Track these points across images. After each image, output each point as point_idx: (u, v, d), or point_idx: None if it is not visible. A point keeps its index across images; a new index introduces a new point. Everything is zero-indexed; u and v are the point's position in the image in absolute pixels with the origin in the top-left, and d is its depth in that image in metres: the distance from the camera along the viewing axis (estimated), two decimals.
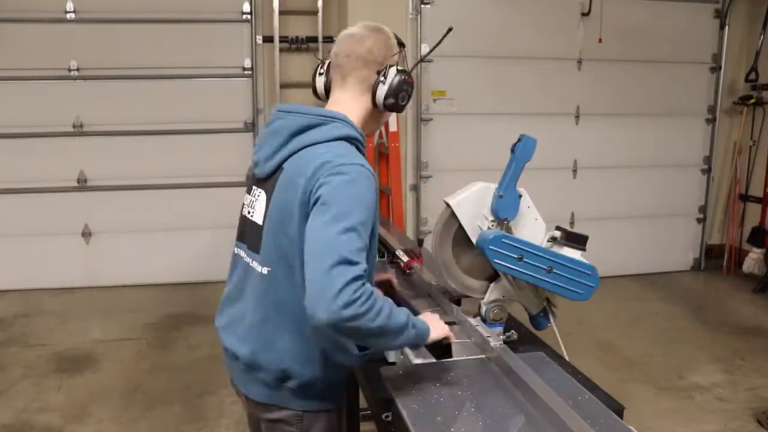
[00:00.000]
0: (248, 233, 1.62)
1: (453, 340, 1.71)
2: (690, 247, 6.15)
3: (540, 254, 1.81)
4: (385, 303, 1.41)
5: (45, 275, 5.34)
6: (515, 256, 1.79)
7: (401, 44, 1.62)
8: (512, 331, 1.94)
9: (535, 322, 1.99)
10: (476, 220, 1.90)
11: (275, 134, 1.56)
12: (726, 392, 3.66)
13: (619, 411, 1.51)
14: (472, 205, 1.89)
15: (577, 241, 1.86)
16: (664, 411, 3.44)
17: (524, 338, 1.97)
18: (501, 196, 1.85)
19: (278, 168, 1.54)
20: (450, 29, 1.77)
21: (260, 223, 1.56)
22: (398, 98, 1.57)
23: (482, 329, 1.81)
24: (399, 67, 1.58)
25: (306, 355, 1.54)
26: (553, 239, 1.89)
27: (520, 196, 1.87)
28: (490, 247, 1.78)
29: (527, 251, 1.80)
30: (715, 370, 3.95)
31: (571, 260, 1.82)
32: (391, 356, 1.86)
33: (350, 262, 1.32)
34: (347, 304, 1.30)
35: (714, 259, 6.17)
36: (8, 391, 3.57)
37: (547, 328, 1.97)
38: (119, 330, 4.48)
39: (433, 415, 1.42)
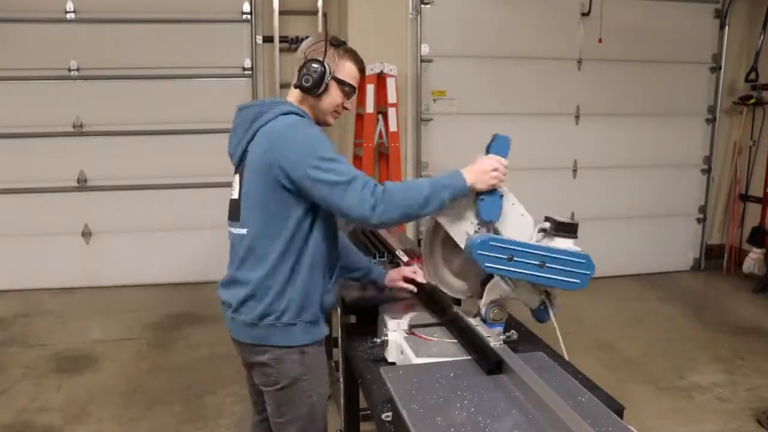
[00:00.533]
0: (231, 210, 1.92)
1: (502, 183, 1.83)
2: (690, 247, 6.16)
3: (530, 251, 1.78)
4: (400, 188, 1.75)
5: (45, 275, 5.34)
6: (505, 257, 1.77)
7: (334, 42, 1.90)
8: (512, 331, 1.94)
9: (537, 315, 1.97)
10: (462, 227, 1.88)
11: (239, 126, 1.90)
12: (726, 392, 3.66)
13: (619, 411, 1.51)
14: (455, 211, 1.87)
15: (568, 230, 1.83)
16: (664, 411, 3.44)
17: (524, 338, 1.97)
18: (482, 199, 1.83)
19: (245, 152, 1.86)
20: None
21: (237, 197, 1.89)
22: (302, 80, 1.86)
23: (482, 329, 1.81)
24: (311, 58, 1.88)
25: (275, 293, 1.82)
26: (544, 231, 1.87)
27: (502, 196, 1.85)
28: (479, 252, 1.75)
29: (516, 250, 1.77)
30: (715, 370, 3.95)
31: (563, 251, 1.80)
32: (391, 356, 1.86)
33: (346, 181, 1.70)
34: (374, 212, 1.70)
35: (714, 259, 6.17)
36: (8, 391, 3.57)
37: (549, 319, 1.94)
38: (119, 330, 4.49)
39: (433, 415, 1.42)
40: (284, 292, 1.82)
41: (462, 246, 1.86)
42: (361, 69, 1.97)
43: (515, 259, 1.77)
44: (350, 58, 1.93)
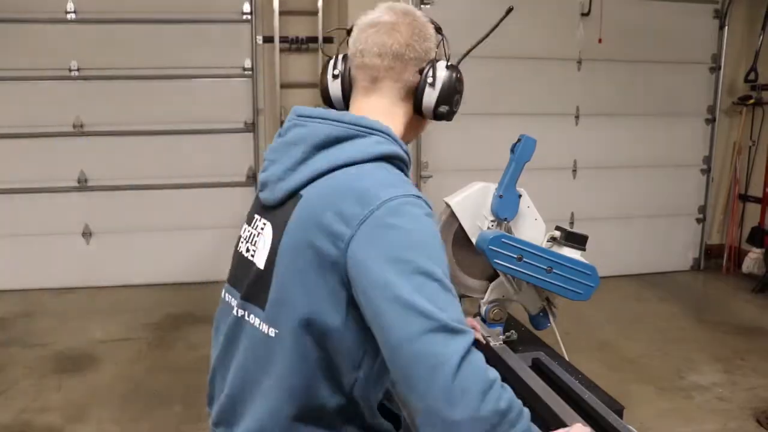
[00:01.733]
0: (245, 278, 1.21)
1: None
2: (690, 247, 6.15)
3: (540, 254, 1.81)
4: (524, 408, 1.03)
5: (45, 275, 5.34)
6: (515, 256, 1.79)
7: (438, 29, 1.31)
8: (512, 331, 1.95)
9: (535, 322, 2.00)
10: (476, 220, 1.90)
11: (291, 147, 1.16)
12: (726, 392, 3.66)
13: (619, 411, 1.51)
14: (471, 205, 1.89)
15: (577, 241, 1.86)
16: (664, 411, 3.44)
17: (524, 338, 1.97)
18: (501, 196, 1.85)
19: (295, 194, 1.13)
20: (510, 8, 1.56)
21: (262, 267, 1.16)
22: (452, 103, 1.25)
23: (482, 329, 1.82)
24: (448, 63, 1.26)
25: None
26: (553, 239, 1.89)
27: (520, 196, 1.88)
28: (490, 247, 1.78)
29: (527, 251, 1.80)
30: (715, 370, 3.95)
31: (571, 260, 1.82)
32: None
33: (460, 331, 0.97)
34: (477, 407, 0.93)
35: (714, 259, 6.17)
36: (8, 391, 3.57)
37: (547, 327, 1.97)
38: (119, 330, 4.48)
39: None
40: None
41: (473, 240, 1.87)
42: None
43: (524, 260, 1.79)
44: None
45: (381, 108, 1.23)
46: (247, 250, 1.22)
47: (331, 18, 5.39)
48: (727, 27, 5.77)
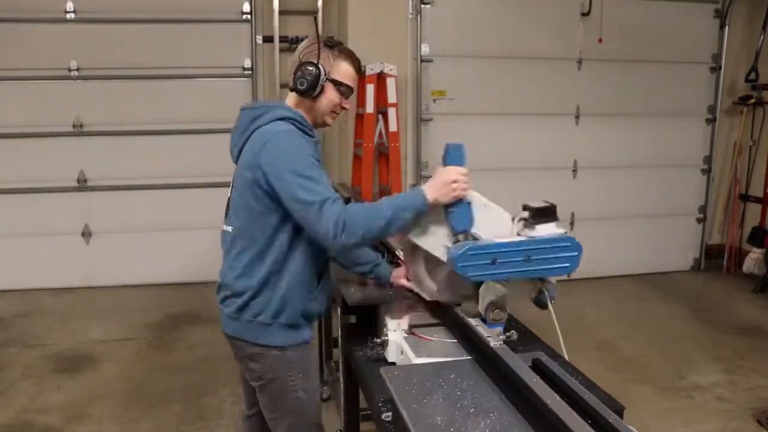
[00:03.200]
0: (226, 209, 2.00)
1: (465, 192, 1.78)
2: (690, 247, 6.16)
3: (512, 249, 1.76)
4: (361, 213, 1.75)
5: (45, 275, 5.34)
6: (488, 261, 1.75)
7: (328, 43, 1.93)
8: (512, 331, 1.94)
9: (540, 303, 1.94)
10: (440, 240, 1.86)
11: (238, 127, 1.96)
12: (726, 392, 3.66)
13: (619, 411, 1.51)
14: (429, 228, 1.85)
15: (546, 214, 1.82)
16: (664, 411, 3.44)
17: (524, 338, 1.97)
18: (451, 211, 1.81)
19: (240, 152, 1.92)
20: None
21: (229, 195, 1.97)
22: (297, 83, 1.89)
23: (482, 329, 1.81)
24: (305, 60, 1.90)
25: (262, 288, 1.88)
26: (524, 220, 1.85)
27: (470, 203, 1.83)
28: (460, 264, 1.73)
29: (498, 252, 1.76)
30: (715, 370, 3.95)
31: (545, 240, 1.77)
32: (391, 356, 1.86)
33: (311, 202, 1.73)
34: (333, 236, 1.71)
35: (714, 259, 6.17)
36: (8, 391, 3.57)
37: (551, 303, 1.92)
38: (119, 330, 4.49)
39: (433, 415, 1.42)
40: (260, 293, 1.89)
41: (444, 260, 1.84)
42: (358, 68, 1.99)
43: (499, 261, 1.75)
44: (345, 58, 1.94)
45: (289, 94, 1.99)
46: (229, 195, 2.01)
47: (331, 18, 5.40)
48: (727, 27, 5.77)
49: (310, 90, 1.89)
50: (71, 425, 3.23)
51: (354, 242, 1.75)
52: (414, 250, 1.96)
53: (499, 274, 1.76)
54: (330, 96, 1.93)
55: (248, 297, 1.89)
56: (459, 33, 5.27)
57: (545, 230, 1.80)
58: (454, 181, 1.76)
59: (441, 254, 1.85)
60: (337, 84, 1.93)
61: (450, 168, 1.78)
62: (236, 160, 1.96)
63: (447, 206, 1.80)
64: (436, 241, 1.86)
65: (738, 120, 6.00)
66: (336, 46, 1.94)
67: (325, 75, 1.90)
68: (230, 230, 1.94)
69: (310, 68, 1.88)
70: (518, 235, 1.84)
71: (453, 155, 1.82)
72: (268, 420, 2.03)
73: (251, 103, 2.12)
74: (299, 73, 1.89)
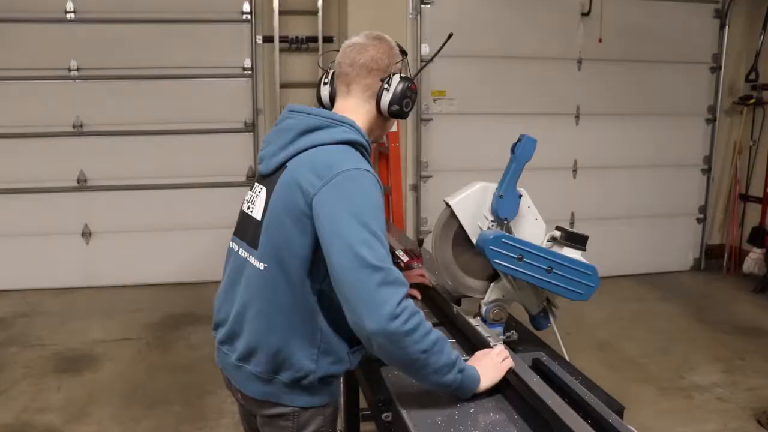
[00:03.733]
0: (246, 229, 1.61)
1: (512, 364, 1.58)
2: (690, 247, 6.15)
3: (540, 254, 1.81)
4: (435, 331, 1.40)
5: (45, 275, 5.34)
6: (515, 256, 1.79)
7: (404, 52, 1.66)
8: (512, 331, 1.94)
9: (535, 322, 1.99)
10: (476, 220, 1.90)
11: (283, 132, 1.57)
12: (726, 392, 3.66)
13: (619, 411, 1.51)
14: (471, 204, 1.89)
15: (577, 241, 1.86)
16: (664, 411, 3.44)
17: (524, 338, 1.97)
18: (501, 196, 1.85)
19: (282, 166, 1.53)
20: (450, 35, 1.83)
21: (259, 218, 1.56)
22: (402, 105, 1.59)
23: (482, 329, 1.81)
24: (402, 75, 1.61)
25: (298, 349, 1.52)
26: (553, 239, 1.88)
27: (520, 196, 1.87)
28: (491, 247, 1.77)
29: (527, 251, 1.79)
30: (715, 370, 3.95)
31: (571, 260, 1.82)
32: None
33: (379, 268, 1.35)
34: (392, 317, 1.32)
35: (714, 259, 6.17)
36: (8, 391, 3.57)
37: (547, 327, 1.97)
38: (119, 330, 4.48)
39: (433, 415, 1.42)
40: (303, 355, 1.53)
41: (473, 240, 1.87)
42: None
43: (525, 260, 1.79)
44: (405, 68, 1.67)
45: (352, 106, 1.62)
46: (248, 208, 1.62)
47: (331, 18, 5.39)
48: (727, 27, 5.77)
49: (396, 108, 1.59)
50: (71, 425, 3.23)
51: (404, 343, 1.34)
52: (447, 228, 1.96)
53: (520, 272, 1.80)
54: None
55: (285, 358, 1.52)
56: (459, 33, 5.21)
57: (571, 255, 1.84)
58: (505, 359, 1.58)
59: (473, 234, 1.88)
60: (412, 99, 1.64)
61: (494, 350, 1.61)
62: (271, 172, 1.56)
63: (498, 191, 1.85)
64: (473, 219, 1.89)
65: (738, 120, 6.00)
66: (405, 53, 1.67)
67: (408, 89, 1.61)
68: (261, 269, 1.51)
69: (412, 88, 1.60)
70: None
71: (525, 146, 1.87)
72: None
73: (301, 105, 1.62)
74: (407, 92, 1.59)
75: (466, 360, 1.53)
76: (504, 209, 1.86)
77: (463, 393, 1.49)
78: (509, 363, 1.56)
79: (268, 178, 1.57)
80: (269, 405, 1.58)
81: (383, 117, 1.62)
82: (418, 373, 1.41)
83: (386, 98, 1.58)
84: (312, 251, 1.46)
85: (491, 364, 1.55)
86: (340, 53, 1.65)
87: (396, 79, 1.59)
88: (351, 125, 1.55)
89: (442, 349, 1.40)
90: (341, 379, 1.80)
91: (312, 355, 1.52)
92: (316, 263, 1.47)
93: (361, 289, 1.33)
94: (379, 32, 1.65)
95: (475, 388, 1.49)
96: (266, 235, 1.52)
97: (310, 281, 1.49)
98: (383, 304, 1.31)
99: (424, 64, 1.76)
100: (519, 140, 1.89)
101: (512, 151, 1.89)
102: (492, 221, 1.88)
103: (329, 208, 1.40)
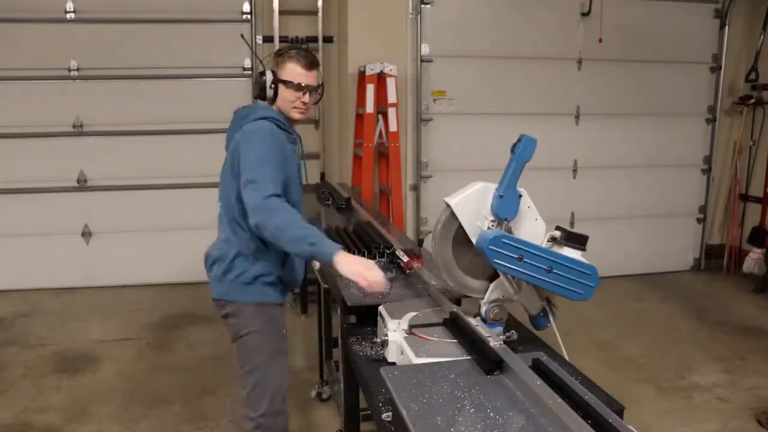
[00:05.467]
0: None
1: (378, 289, 1.99)
2: (690, 247, 6.16)
3: (540, 254, 1.80)
4: (289, 215, 2.01)
5: (45, 275, 5.34)
6: (515, 256, 1.79)
7: (278, 51, 2.25)
8: (512, 331, 1.94)
9: (535, 322, 1.99)
10: (476, 220, 1.89)
11: (232, 124, 2.26)
12: (726, 392, 3.66)
13: (619, 411, 1.51)
14: (471, 204, 1.88)
15: (577, 241, 1.86)
16: (664, 411, 3.44)
17: (524, 338, 1.97)
18: (501, 196, 1.85)
19: (229, 143, 2.24)
20: None
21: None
22: (254, 91, 2.31)
23: (482, 329, 1.81)
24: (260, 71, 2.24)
25: (237, 254, 2.23)
26: (553, 239, 1.88)
27: (520, 196, 1.87)
28: (490, 247, 1.77)
29: (527, 251, 1.79)
30: (715, 370, 3.95)
31: (571, 260, 1.82)
32: (391, 356, 1.86)
33: (253, 181, 2.02)
34: (257, 209, 2.00)
35: (714, 259, 6.17)
36: (8, 391, 3.57)
37: (546, 327, 1.97)
38: (119, 330, 4.49)
39: (433, 415, 1.42)
40: (242, 257, 2.22)
41: (473, 240, 1.87)
42: (306, 64, 2.19)
43: (525, 260, 1.79)
44: (290, 59, 2.19)
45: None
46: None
47: (331, 18, 5.40)
48: (727, 27, 5.77)
49: (261, 94, 2.21)
50: (71, 425, 3.23)
51: (266, 227, 2.00)
52: (446, 228, 1.96)
53: (519, 272, 1.79)
54: (285, 95, 2.19)
55: (232, 259, 2.23)
56: (459, 33, 5.27)
57: (571, 255, 1.83)
58: (367, 279, 1.97)
59: (473, 234, 1.87)
60: (286, 83, 2.18)
61: (376, 268, 2.00)
62: (228, 145, 2.27)
63: (498, 190, 1.88)
64: (473, 219, 1.88)
65: (738, 120, 6.00)
66: (285, 53, 2.21)
67: (273, 78, 2.18)
68: (219, 206, 2.29)
69: (262, 77, 2.19)
70: None
71: (525, 147, 1.87)
72: (238, 377, 2.27)
73: (243, 105, 2.33)
74: (255, 83, 2.28)
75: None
76: (504, 209, 1.86)
77: (320, 260, 2.10)
78: (368, 286, 1.97)
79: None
80: (222, 304, 2.27)
81: (263, 101, 2.25)
82: (280, 242, 2.03)
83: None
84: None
85: (360, 265, 1.99)
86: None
87: (258, 76, 2.26)
88: (264, 108, 2.23)
89: (297, 230, 1.99)
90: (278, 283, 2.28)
91: (248, 258, 2.21)
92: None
93: (244, 197, 2.06)
94: None
95: (326, 256, 1.98)
96: (221, 184, 2.27)
97: (240, 207, 2.14)
98: (249, 204, 2.03)
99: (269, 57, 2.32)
100: (519, 140, 1.88)
101: (512, 151, 1.89)
102: (492, 221, 1.88)
103: (242, 152, 2.10)
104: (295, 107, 2.21)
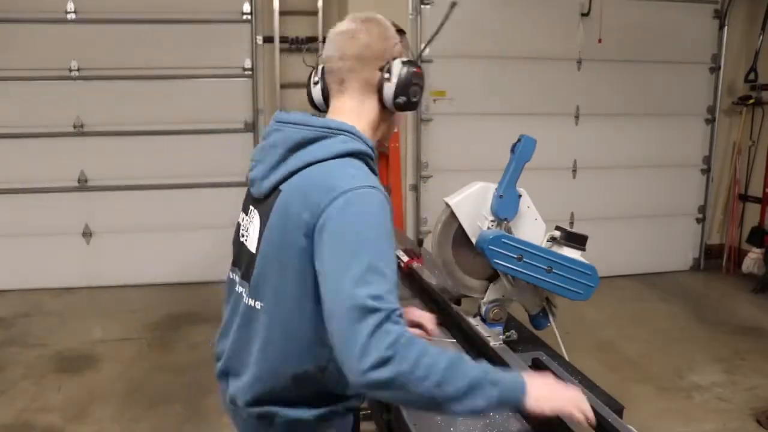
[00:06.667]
0: (242, 260, 1.43)
1: (584, 416, 1.29)
2: (690, 247, 6.16)
3: (540, 254, 1.81)
4: (440, 353, 1.16)
5: (45, 275, 5.34)
6: (515, 256, 1.79)
7: (401, 31, 1.42)
8: (512, 331, 1.95)
9: (535, 322, 2.00)
10: (476, 220, 1.90)
11: (271, 149, 1.36)
12: (726, 392, 3.66)
13: (619, 411, 1.52)
14: (471, 204, 1.89)
15: (577, 241, 1.86)
16: (664, 411, 3.44)
17: (524, 338, 1.97)
18: (501, 196, 1.85)
19: (275, 189, 1.33)
20: (454, 4, 1.66)
21: (253, 250, 1.37)
22: (409, 94, 1.35)
23: (482, 329, 1.82)
24: (404, 59, 1.37)
25: (297, 394, 1.34)
26: (553, 239, 1.89)
27: (520, 196, 1.88)
28: (490, 247, 1.78)
29: (527, 251, 1.80)
30: (715, 370, 3.95)
31: (571, 260, 1.82)
32: None
33: (374, 310, 1.12)
34: (377, 364, 1.09)
35: (714, 259, 6.17)
36: (8, 391, 3.57)
37: (546, 327, 1.97)
38: (119, 330, 4.48)
39: (434, 415, 1.42)
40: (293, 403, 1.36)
41: (473, 240, 1.87)
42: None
43: (524, 260, 1.79)
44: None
45: (349, 106, 1.38)
46: (242, 236, 1.43)
47: (331, 18, 5.39)
48: (727, 27, 5.77)
49: (402, 101, 1.35)
50: (71, 425, 3.23)
51: (391, 384, 1.11)
52: (446, 228, 1.96)
53: (519, 272, 1.80)
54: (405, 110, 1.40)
55: (275, 404, 1.35)
56: (459, 33, 5.26)
57: (571, 255, 1.84)
58: (581, 408, 1.28)
59: (473, 234, 1.87)
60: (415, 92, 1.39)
61: (577, 392, 1.33)
62: (264, 195, 1.35)
63: (498, 191, 1.84)
64: (473, 219, 1.88)
65: (737, 120, 6.00)
66: (402, 32, 1.44)
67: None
68: (258, 308, 1.34)
69: (418, 74, 1.36)
70: None
71: (525, 147, 1.88)
72: None
73: (291, 112, 1.39)
74: (406, 78, 1.34)
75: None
76: (504, 209, 1.86)
77: (506, 407, 1.26)
78: (582, 403, 1.28)
79: (262, 203, 1.37)
80: None
81: (388, 112, 1.39)
82: (442, 409, 1.16)
83: (389, 90, 1.34)
84: (308, 290, 1.26)
85: (558, 392, 1.27)
86: (327, 44, 1.40)
87: (397, 65, 1.35)
88: (350, 132, 1.32)
89: (456, 373, 1.15)
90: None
91: (307, 398, 1.35)
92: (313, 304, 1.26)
93: (347, 336, 1.12)
94: (369, 12, 1.41)
95: (518, 400, 1.21)
96: (260, 270, 1.33)
97: (312, 328, 1.28)
98: (359, 352, 1.10)
99: (426, 43, 1.63)
100: (518, 140, 1.89)
101: (512, 151, 1.89)
102: (492, 221, 1.88)
103: (326, 243, 1.20)
104: (394, 132, 1.47)
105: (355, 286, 1.13)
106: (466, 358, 1.21)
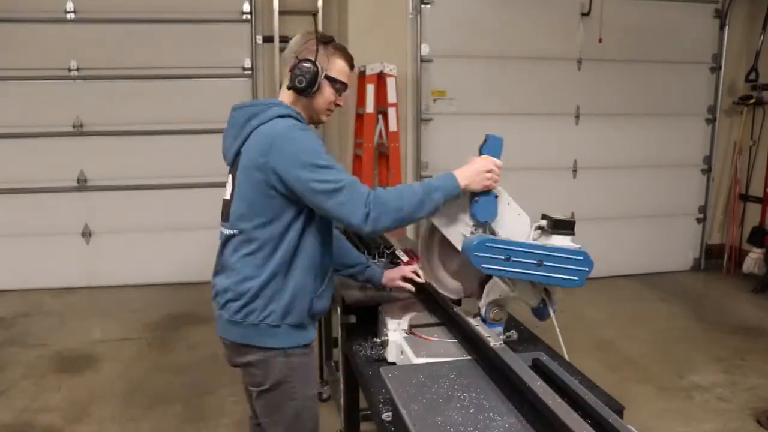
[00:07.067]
0: (223, 209, 1.93)
1: (497, 184, 1.83)
2: (690, 247, 6.16)
3: (527, 250, 1.77)
4: (391, 193, 1.75)
5: (45, 275, 5.34)
6: (502, 257, 1.76)
7: (322, 40, 1.89)
8: (512, 331, 1.94)
9: (538, 313, 1.96)
10: (458, 228, 1.87)
11: (230, 128, 1.91)
12: (726, 392, 3.66)
13: (619, 411, 1.51)
14: (450, 213, 1.87)
15: (565, 227, 1.83)
16: (664, 411, 3.44)
17: (524, 338, 1.97)
18: (476, 200, 1.83)
19: (238, 153, 1.86)
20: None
21: (229, 197, 1.90)
22: (295, 81, 1.84)
23: (482, 329, 1.81)
24: (302, 57, 1.86)
25: (264, 283, 1.83)
26: (541, 228, 1.86)
27: (497, 196, 1.85)
28: (476, 254, 1.75)
29: (513, 250, 1.77)
30: (715, 370, 3.95)
31: (560, 249, 1.79)
32: (391, 356, 1.86)
33: (340, 189, 1.70)
34: (367, 221, 1.70)
35: (714, 259, 6.17)
36: (8, 391, 3.57)
37: (549, 317, 1.94)
38: (119, 330, 4.49)
39: (433, 415, 1.42)
40: (270, 295, 1.82)
41: (459, 248, 1.86)
42: (351, 65, 1.96)
43: (512, 259, 1.77)
44: (340, 55, 1.92)
45: (283, 90, 1.94)
46: (225, 195, 1.94)
47: (331, 18, 5.39)
48: (727, 27, 5.77)
49: (308, 88, 1.85)
50: (72, 425, 3.23)
51: (386, 223, 1.73)
52: (430, 235, 1.96)
53: (510, 272, 1.77)
54: (326, 93, 1.90)
55: (253, 298, 1.83)
56: (459, 33, 5.27)
57: (561, 242, 1.82)
58: (488, 171, 1.81)
59: (457, 242, 1.86)
60: (332, 81, 1.90)
61: (486, 157, 1.85)
62: (231, 161, 1.90)
63: (473, 195, 1.83)
64: (455, 227, 1.87)
65: (738, 120, 6.00)
66: (330, 42, 1.92)
67: (322, 72, 1.86)
68: (233, 233, 1.86)
69: (308, 65, 1.84)
70: (534, 241, 1.85)
71: (491, 145, 1.88)
72: (262, 423, 1.97)
73: (242, 102, 1.96)
74: (297, 71, 1.84)
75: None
76: (482, 212, 1.84)
77: (447, 198, 1.80)
78: (493, 180, 1.83)
79: (233, 167, 1.89)
80: (241, 351, 1.89)
81: (297, 95, 1.88)
82: (412, 219, 1.79)
83: (292, 77, 1.85)
84: (279, 206, 1.79)
85: (473, 170, 1.83)
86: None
87: (298, 60, 1.86)
88: (278, 104, 1.87)
89: (412, 197, 1.74)
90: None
91: (275, 295, 1.84)
92: (282, 214, 1.80)
93: (337, 213, 1.73)
94: (308, 27, 2.07)
95: (454, 188, 1.79)
96: (237, 207, 1.85)
97: (280, 227, 1.81)
98: (352, 216, 1.70)
99: (319, 39, 1.92)
100: (485, 141, 1.87)
101: (479, 152, 1.87)
102: (473, 226, 1.86)
103: (284, 169, 1.73)
104: (328, 109, 1.94)
105: (317, 184, 1.72)
106: (414, 184, 1.79)
